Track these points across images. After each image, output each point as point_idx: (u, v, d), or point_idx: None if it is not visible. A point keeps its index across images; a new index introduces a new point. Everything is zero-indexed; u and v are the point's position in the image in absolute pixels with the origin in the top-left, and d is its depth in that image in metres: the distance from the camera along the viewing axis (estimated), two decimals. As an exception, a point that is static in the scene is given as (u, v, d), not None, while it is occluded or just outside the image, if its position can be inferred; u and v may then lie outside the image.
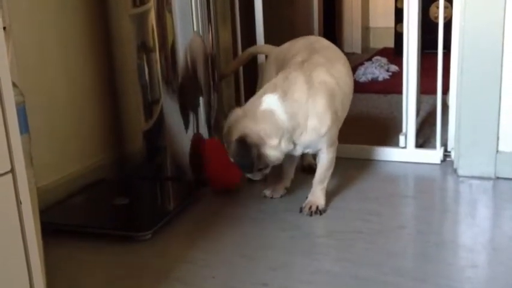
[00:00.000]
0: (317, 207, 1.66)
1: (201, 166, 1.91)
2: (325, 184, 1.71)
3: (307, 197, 1.70)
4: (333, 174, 1.79)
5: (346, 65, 1.77)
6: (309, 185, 1.73)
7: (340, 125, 1.70)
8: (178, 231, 1.61)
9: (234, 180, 1.84)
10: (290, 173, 1.82)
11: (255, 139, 1.53)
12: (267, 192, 1.81)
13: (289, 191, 1.83)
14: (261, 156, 1.54)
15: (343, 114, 1.71)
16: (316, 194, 1.69)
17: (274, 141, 1.54)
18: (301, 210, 1.67)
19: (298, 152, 1.66)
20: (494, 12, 1.77)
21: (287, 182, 1.82)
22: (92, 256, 1.50)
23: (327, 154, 1.67)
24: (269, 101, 1.55)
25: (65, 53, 1.84)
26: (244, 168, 1.60)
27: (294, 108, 1.56)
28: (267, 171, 1.65)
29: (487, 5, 1.77)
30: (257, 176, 1.65)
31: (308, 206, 1.67)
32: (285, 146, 1.57)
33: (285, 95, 1.56)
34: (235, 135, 1.55)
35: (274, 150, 1.55)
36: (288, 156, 1.71)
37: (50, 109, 1.79)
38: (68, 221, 1.67)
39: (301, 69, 1.62)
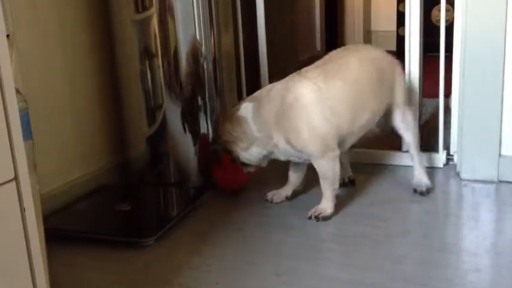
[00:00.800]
0: (319, 215, 1.66)
1: (208, 168, 1.92)
2: (327, 194, 1.67)
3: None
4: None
5: (360, 73, 1.68)
6: (317, 191, 1.72)
7: (339, 133, 1.63)
8: (181, 237, 1.61)
9: (241, 181, 1.91)
10: (294, 181, 1.82)
11: (226, 139, 1.69)
12: (268, 196, 1.82)
13: (296, 196, 1.83)
14: (232, 153, 1.70)
15: (341, 122, 1.63)
16: (322, 202, 1.68)
17: (242, 145, 1.67)
18: (310, 217, 1.66)
19: (281, 158, 1.71)
20: (495, 15, 1.77)
21: (288, 190, 1.82)
22: (95, 262, 1.50)
23: (317, 166, 1.66)
24: (244, 109, 1.67)
25: (67, 59, 1.85)
26: (215, 159, 1.81)
27: (263, 122, 1.64)
28: (251, 169, 1.77)
29: (489, 8, 1.77)
30: (247, 169, 1.78)
31: (312, 212, 1.67)
32: (257, 151, 1.68)
33: (259, 107, 1.65)
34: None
35: (244, 152, 1.68)
36: (294, 165, 1.77)
37: (53, 115, 1.79)
38: (71, 227, 1.67)
39: (287, 81, 1.66)
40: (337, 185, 1.67)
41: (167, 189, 1.94)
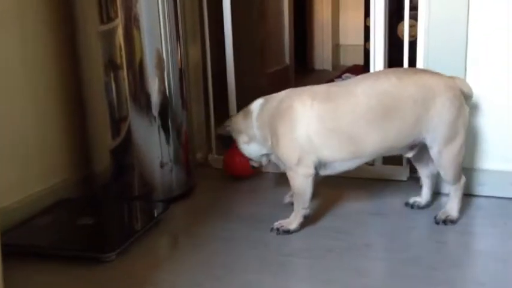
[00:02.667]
0: (281, 227, 1.66)
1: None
2: (297, 210, 1.66)
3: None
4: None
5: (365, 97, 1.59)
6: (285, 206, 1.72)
7: (320, 157, 1.62)
8: (144, 251, 1.58)
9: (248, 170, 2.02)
10: None
11: (233, 128, 1.75)
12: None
13: (262, 210, 1.83)
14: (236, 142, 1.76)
15: (324, 147, 1.60)
16: (290, 217, 1.68)
17: (244, 138, 1.73)
18: (272, 229, 1.67)
19: (278, 163, 1.74)
20: (457, 31, 1.81)
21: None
22: (55, 278, 1.46)
23: (289, 178, 1.66)
24: (255, 104, 1.73)
25: (30, 70, 1.81)
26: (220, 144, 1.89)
27: (263, 120, 1.68)
28: (253, 163, 1.82)
29: (450, 24, 1.81)
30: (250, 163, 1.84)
31: (276, 224, 1.67)
32: (256, 148, 1.74)
33: (265, 106, 1.69)
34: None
35: (245, 145, 1.75)
36: None
37: (14, 127, 1.75)
38: (30, 242, 1.63)
39: (296, 90, 1.69)
40: (306, 205, 1.65)
41: (131, 202, 1.91)
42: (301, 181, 1.63)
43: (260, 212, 1.84)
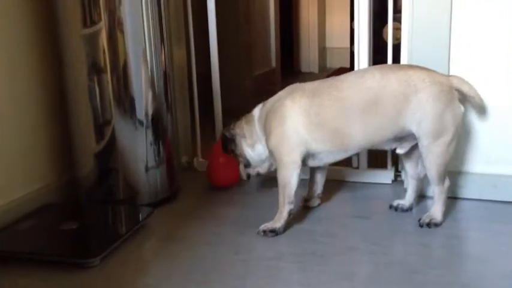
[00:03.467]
0: (266, 229, 1.67)
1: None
2: (282, 209, 1.68)
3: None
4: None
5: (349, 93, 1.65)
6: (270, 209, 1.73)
7: (309, 149, 1.68)
8: (128, 256, 1.57)
9: (234, 180, 2.05)
10: (313, 187, 1.89)
11: (237, 132, 1.83)
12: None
13: (248, 214, 1.84)
14: (237, 146, 1.84)
15: (313, 140, 1.67)
16: (275, 217, 1.69)
17: (249, 141, 1.81)
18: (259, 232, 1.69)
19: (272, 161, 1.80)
20: (440, 34, 1.82)
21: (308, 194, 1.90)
22: (38, 284, 1.45)
23: (278, 172, 1.71)
24: (256, 108, 1.82)
25: (12, 74, 1.80)
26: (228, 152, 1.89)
27: (262, 122, 1.76)
28: (250, 171, 1.87)
29: (433, 27, 1.82)
30: (244, 174, 1.89)
31: (263, 226, 1.68)
32: (261, 150, 1.79)
33: (264, 108, 1.78)
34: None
35: (249, 148, 1.82)
36: (313, 173, 1.88)
37: (-5, 131, 1.74)
38: (12, 248, 1.61)
39: (289, 89, 1.76)
40: (291, 199, 1.67)
41: (116, 207, 1.90)
42: (288, 173, 1.67)
43: (245, 216, 1.84)
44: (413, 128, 1.63)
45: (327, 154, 1.71)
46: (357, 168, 2.12)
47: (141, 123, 1.87)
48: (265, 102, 1.80)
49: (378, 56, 2.23)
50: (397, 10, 2.01)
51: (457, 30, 1.82)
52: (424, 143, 1.64)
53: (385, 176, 2.07)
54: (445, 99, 1.61)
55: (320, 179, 1.88)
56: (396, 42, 2.01)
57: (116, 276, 1.47)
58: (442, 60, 1.83)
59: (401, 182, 2.04)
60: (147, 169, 1.91)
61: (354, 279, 1.41)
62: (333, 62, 4.88)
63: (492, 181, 1.86)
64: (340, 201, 1.95)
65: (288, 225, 1.71)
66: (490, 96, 1.82)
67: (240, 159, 1.86)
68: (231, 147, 1.86)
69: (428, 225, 1.68)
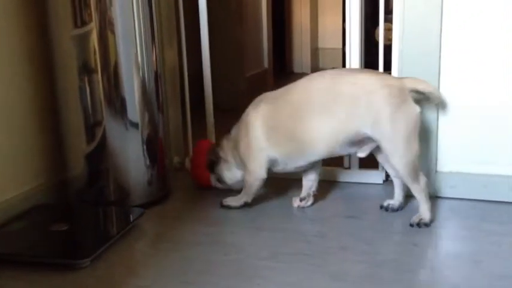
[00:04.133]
0: (224, 203, 1.88)
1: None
2: (242, 197, 1.85)
3: None
4: (276, 194, 1.87)
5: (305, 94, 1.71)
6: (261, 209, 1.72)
7: (273, 156, 1.77)
8: (118, 258, 1.57)
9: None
10: (306, 185, 1.91)
11: (219, 154, 1.91)
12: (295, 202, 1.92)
13: (239, 215, 1.84)
14: (218, 170, 1.93)
15: (274, 145, 1.74)
16: (237, 196, 1.88)
17: (225, 165, 1.91)
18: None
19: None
20: (430, 36, 1.82)
21: (303, 193, 1.91)
22: (28, 285, 1.44)
23: (245, 174, 1.83)
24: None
25: (2, 75, 1.79)
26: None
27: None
28: (221, 186, 1.97)
29: (424, 29, 1.83)
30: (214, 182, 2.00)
31: (225, 200, 1.89)
32: (236, 173, 1.90)
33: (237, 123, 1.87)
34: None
35: (227, 171, 1.91)
36: (305, 171, 1.89)
37: (-16, 132, 1.72)
38: (2, 249, 1.60)
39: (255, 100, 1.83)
40: (250, 198, 1.85)
41: (106, 208, 1.89)
42: (252, 179, 1.81)
43: (236, 216, 1.83)
44: (368, 131, 1.64)
45: (286, 160, 1.76)
46: (349, 168, 2.12)
47: (132, 123, 1.86)
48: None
49: (369, 56, 2.23)
50: (389, 11, 2.01)
51: (447, 33, 1.82)
52: (384, 146, 1.65)
53: (376, 176, 2.08)
54: (396, 101, 1.61)
55: (314, 178, 1.89)
56: (388, 42, 2.01)
57: (106, 278, 1.46)
58: (433, 60, 1.84)
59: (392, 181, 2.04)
60: (138, 170, 1.91)
61: (346, 279, 1.41)
62: (326, 63, 4.89)
63: (482, 181, 1.87)
64: (332, 201, 1.95)
65: (279, 225, 1.71)
66: (481, 96, 1.83)
67: (219, 186, 1.98)
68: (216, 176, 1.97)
69: (418, 225, 1.68)
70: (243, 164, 1.83)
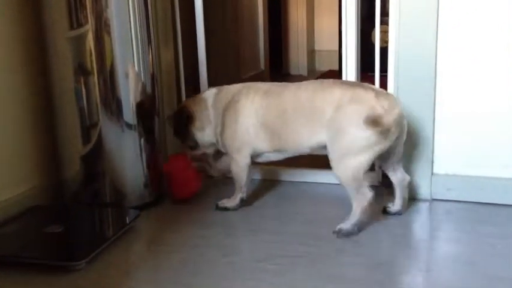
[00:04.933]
0: (220, 204, 1.88)
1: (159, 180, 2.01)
2: (237, 193, 1.87)
3: None
4: (273, 197, 1.86)
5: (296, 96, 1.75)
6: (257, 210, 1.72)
7: (257, 148, 1.81)
8: (114, 260, 1.56)
9: (194, 190, 2.00)
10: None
11: (188, 112, 1.89)
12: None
13: (235, 216, 1.83)
14: (189, 130, 1.90)
15: (258, 139, 1.79)
16: (231, 197, 1.89)
17: (198, 124, 1.89)
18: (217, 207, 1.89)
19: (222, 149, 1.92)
20: (426, 38, 1.83)
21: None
22: (23, 287, 1.43)
23: (230, 163, 1.87)
24: (208, 92, 1.92)
25: (-3, 75, 1.78)
26: (176, 132, 1.95)
27: (217, 109, 1.86)
28: (198, 152, 1.95)
29: (420, 32, 1.83)
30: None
31: (219, 203, 1.90)
32: (209, 134, 1.89)
33: (218, 95, 1.87)
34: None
35: (198, 131, 1.90)
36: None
37: (-21, 134, 1.72)
38: (-3, 251, 1.59)
39: (247, 86, 1.86)
40: (244, 189, 1.87)
41: (102, 209, 1.89)
42: (239, 168, 1.84)
43: (232, 218, 1.83)
44: (327, 140, 1.66)
45: (270, 154, 1.83)
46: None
47: (128, 125, 1.86)
48: (220, 88, 1.90)
49: (365, 58, 2.23)
50: (385, 13, 2.02)
51: (443, 35, 1.83)
52: (331, 157, 1.66)
53: (373, 178, 2.07)
54: (354, 119, 1.60)
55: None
56: (384, 45, 2.02)
57: (102, 280, 1.46)
58: (429, 63, 1.84)
59: (388, 184, 2.04)
60: (134, 172, 1.91)
61: (343, 281, 1.41)
62: (322, 65, 4.89)
63: (478, 183, 1.87)
64: (328, 203, 1.95)
65: (274, 227, 1.71)
66: (477, 99, 1.83)
67: (190, 143, 1.94)
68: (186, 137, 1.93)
69: (337, 232, 1.65)
70: (224, 149, 1.88)
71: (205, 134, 1.90)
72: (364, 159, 1.62)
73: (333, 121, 1.64)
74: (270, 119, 1.77)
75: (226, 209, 1.87)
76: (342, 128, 1.62)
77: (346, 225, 1.66)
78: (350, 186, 1.65)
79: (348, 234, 1.64)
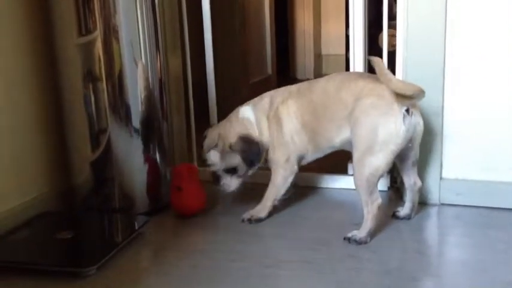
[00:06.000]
0: (251, 217, 1.81)
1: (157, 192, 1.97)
2: (270, 200, 1.83)
3: None
4: (281, 202, 1.85)
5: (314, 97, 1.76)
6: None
7: (288, 148, 1.79)
8: (124, 265, 1.57)
9: (202, 206, 1.92)
10: None
11: (255, 137, 1.81)
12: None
13: (240, 221, 1.83)
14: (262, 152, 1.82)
15: (299, 135, 1.78)
16: (257, 207, 1.84)
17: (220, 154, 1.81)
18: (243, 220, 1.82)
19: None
20: (434, 42, 1.82)
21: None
22: (32, 294, 1.44)
23: (274, 173, 1.82)
24: (246, 111, 1.86)
25: (8, 82, 1.79)
26: (251, 161, 1.80)
27: (262, 123, 1.83)
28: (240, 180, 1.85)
29: (428, 35, 1.83)
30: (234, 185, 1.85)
31: (246, 215, 1.83)
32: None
33: (253, 108, 1.85)
34: (232, 137, 1.79)
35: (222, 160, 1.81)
36: None
37: (-10, 140, 1.73)
38: (8, 257, 1.60)
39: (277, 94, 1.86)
40: (278, 198, 1.83)
41: (112, 215, 1.89)
42: (284, 180, 1.82)
43: (241, 224, 1.83)
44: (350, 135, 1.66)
45: (311, 154, 1.82)
46: (353, 175, 2.11)
47: (136, 131, 1.87)
48: (253, 103, 1.87)
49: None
50: (392, 17, 2.02)
51: (451, 39, 1.82)
52: (353, 151, 1.65)
53: (381, 183, 2.07)
54: (376, 112, 1.59)
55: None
56: (392, 49, 2.01)
57: (112, 285, 1.46)
58: (437, 67, 1.84)
59: (397, 188, 2.04)
60: (142, 177, 1.91)
61: (352, 286, 1.40)
62: (329, 69, 4.89)
63: (488, 188, 1.86)
64: (337, 208, 1.95)
65: (284, 232, 1.71)
66: (486, 103, 1.83)
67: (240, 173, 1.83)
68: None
69: (349, 239, 1.64)
70: (271, 162, 1.82)
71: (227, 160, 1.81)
72: (382, 159, 1.59)
73: (353, 112, 1.63)
74: (307, 119, 1.75)
75: (260, 220, 1.82)
76: (359, 119, 1.61)
77: (361, 233, 1.63)
78: (363, 189, 1.63)
79: (361, 242, 1.63)
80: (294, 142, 1.78)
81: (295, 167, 1.81)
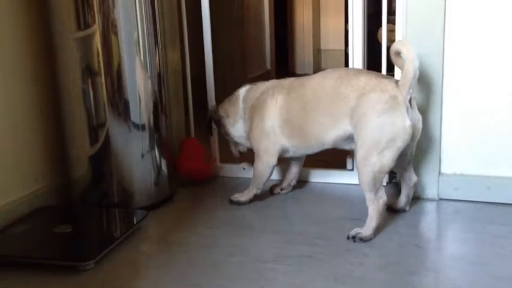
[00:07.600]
0: (233, 199, 1.92)
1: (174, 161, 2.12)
2: (253, 188, 1.91)
3: None
4: (280, 196, 1.83)
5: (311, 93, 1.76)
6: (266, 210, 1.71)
7: (283, 144, 1.84)
8: (123, 260, 1.57)
9: (207, 172, 2.17)
10: (289, 177, 2.04)
11: (221, 113, 2.00)
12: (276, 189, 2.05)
13: (242, 216, 1.84)
14: (224, 127, 2.00)
15: (283, 135, 1.82)
16: (244, 191, 1.94)
17: (230, 120, 1.98)
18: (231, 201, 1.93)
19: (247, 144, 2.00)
20: (433, 37, 1.82)
21: (284, 183, 2.04)
22: (32, 287, 1.44)
23: (255, 161, 1.90)
24: (242, 89, 1.98)
25: (5, 76, 1.79)
26: (207, 126, 2.11)
27: (246, 106, 1.92)
28: (238, 148, 2.06)
29: (427, 31, 1.83)
30: (236, 152, 2.09)
31: (232, 197, 1.94)
32: (240, 128, 1.95)
33: (250, 91, 1.93)
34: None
35: (231, 126, 1.97)
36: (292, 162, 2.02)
37: (-12, 135, 1.73)
38: (6, 251, 1.60)
39: (276, 83, 1.89)
40: (260, 186, 1.91)
41: (110, 209, 1.89)
42: (263, 167, 1.88)
43: (240, 218, 1.83)
44: (352, 131, 1.66)
45: (297, 149, 1.85)
46: (352, 170, 2.12)
47: (135, 126, 1.87)
48: (253, 86, 1.95)
49: (372, 58, 2.23)
50: (392, 12, 2.01)
51: (450, 34, 1.82)
52: (356, 148, 1.64)
53: (380, 178, 2.07)
54: (381, 107, 1.58)
55: (297, 171, 2.03)
56: (391, 44, 2.01)
57: (110, 280, 1.46)
58: (436, 62, 1.83)
59: (396, 183, 2.04)
60: (141, 172, 1.91)
61: (351, 281, 1.41)
62: (328, 64, 4.88)
63: (486, 183, 1.86)
64: (335, 203, 1.95)
65: (282, 227, 1.70)
66: (485, 98, 1.83)
67: (228, 138, 2.03)
68: (220, 129, 2.04)
69: (354, 238, 1.62)
70: (251, 146, 1.93)
71: (237, 129, 1.97)
72: (388, 156, 1.58)
73: (357, 108, 1.62)
74: (294, 114, 1.78)
75: (239, 203, 1.91)
76: (365, 115, 1.60)
77: (366, 231, 1.62)
78: (369, 187, 1.62)
79: (366, 240, 1.61)
80: (275, 133, 1.82)
81: (275, 158, 1.86)
